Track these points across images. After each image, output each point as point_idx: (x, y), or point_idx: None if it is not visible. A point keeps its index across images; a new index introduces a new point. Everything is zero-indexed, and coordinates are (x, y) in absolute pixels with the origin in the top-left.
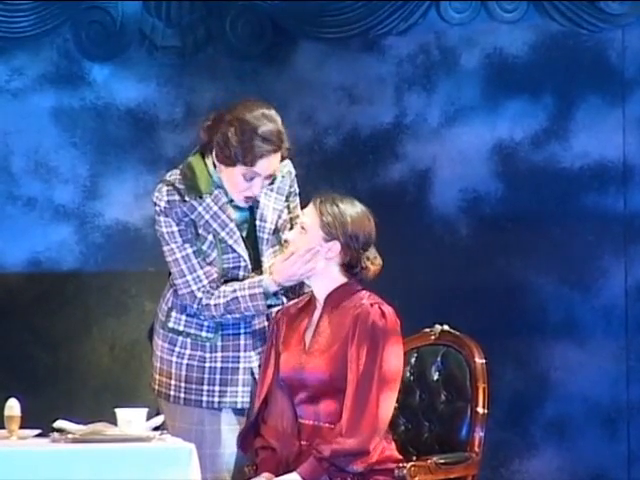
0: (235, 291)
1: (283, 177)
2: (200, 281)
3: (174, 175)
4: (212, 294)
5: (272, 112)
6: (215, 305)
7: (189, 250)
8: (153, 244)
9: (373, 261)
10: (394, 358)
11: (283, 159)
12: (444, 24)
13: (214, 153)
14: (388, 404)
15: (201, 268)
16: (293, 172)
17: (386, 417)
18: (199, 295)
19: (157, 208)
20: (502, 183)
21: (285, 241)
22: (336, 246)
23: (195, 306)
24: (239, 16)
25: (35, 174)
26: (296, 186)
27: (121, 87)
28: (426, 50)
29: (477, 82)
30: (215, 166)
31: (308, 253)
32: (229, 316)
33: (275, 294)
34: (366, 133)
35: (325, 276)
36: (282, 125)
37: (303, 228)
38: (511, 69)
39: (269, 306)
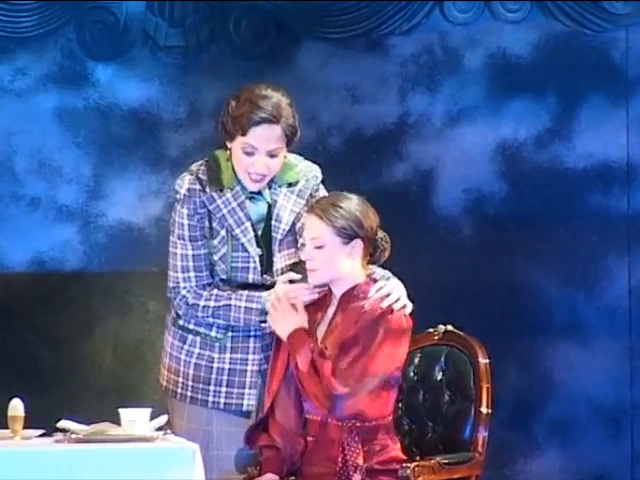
0: (230, 299)
1: (307, 181)
2: (189, 281)
3: (198, 166)
4: (201, 295)
5: (280, 91)
6: (204, 307)
7: (190, 251)
8: (157, 244)
9: (386, 240)
10: (387, 358)
11: (289, 141)
12: (447, 24)
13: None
14: (369, 386)
15: (194, 271)
16: (319, 177)
17: (362, 388)
18: (184, 293)
19: (177, 196)
20: (506, 183)
21: (300, 261)
22: (358, 243)
23: (177, 301)
24: (243, 16)
25: (38, 174)
26: (322, 192)
27: (124, 87)
28: (430, 50)
29: (480, 82)
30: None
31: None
32: (211, 320)
33: (267, 314)
34: (369, 133)
35: (349, 275)
36: (289, 105)
37: (318, 246)
38: (514, 69)
39: (261, 322)
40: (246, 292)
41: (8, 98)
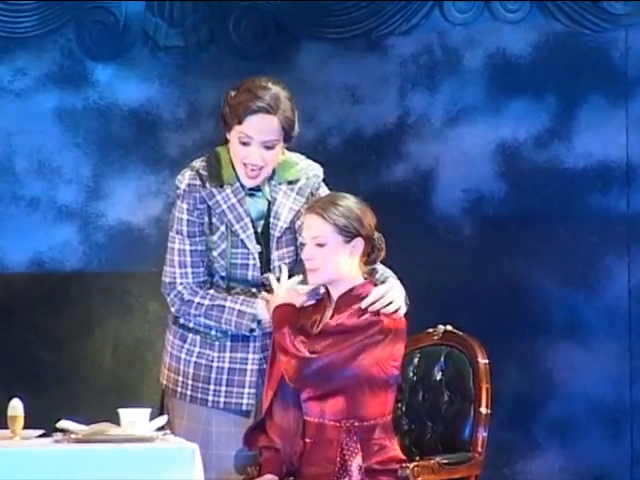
0: (225, 300)
1: (308, 179)
2: (186, 277)
3: (200, 162)
4: (197, 292)
5: (280, 85)
6: (198, 304)
7: (187, 247)
8: (156, 244)
9: (382, 240)
10: (369, 356)
11: (287, 135)
12: (447, 24)
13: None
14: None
15: (192, 267)
16: (320, 176)
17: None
18: (180, 288)
19: (178, 191)
20: (505, 183)
21: (300, 261)
22: (359, 242)
23: (171, 297)
24: (242, 16)
25: (38, 174)
26: (323, 190)
27: (124, 87)
28: (429, 50)
29: (480, 82)
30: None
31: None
32: (203, 319)
33: (259, 322)
34: (369, 133)
35: (348, 275)
36: (288, 99)
37: (319, 244)
38: (514, 69)
39: (251, 330)
40: (242, 296)
41: (8, 98)
